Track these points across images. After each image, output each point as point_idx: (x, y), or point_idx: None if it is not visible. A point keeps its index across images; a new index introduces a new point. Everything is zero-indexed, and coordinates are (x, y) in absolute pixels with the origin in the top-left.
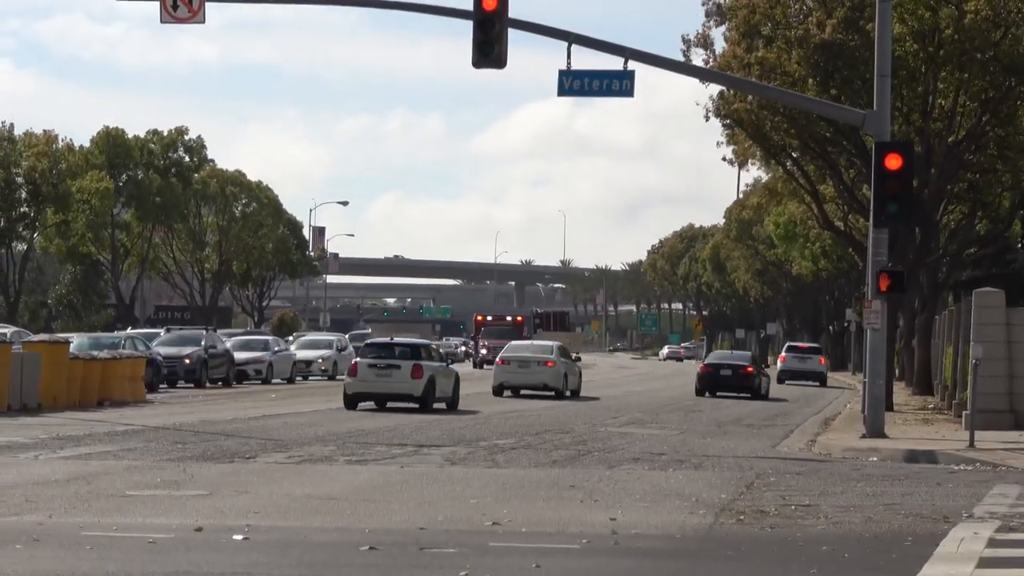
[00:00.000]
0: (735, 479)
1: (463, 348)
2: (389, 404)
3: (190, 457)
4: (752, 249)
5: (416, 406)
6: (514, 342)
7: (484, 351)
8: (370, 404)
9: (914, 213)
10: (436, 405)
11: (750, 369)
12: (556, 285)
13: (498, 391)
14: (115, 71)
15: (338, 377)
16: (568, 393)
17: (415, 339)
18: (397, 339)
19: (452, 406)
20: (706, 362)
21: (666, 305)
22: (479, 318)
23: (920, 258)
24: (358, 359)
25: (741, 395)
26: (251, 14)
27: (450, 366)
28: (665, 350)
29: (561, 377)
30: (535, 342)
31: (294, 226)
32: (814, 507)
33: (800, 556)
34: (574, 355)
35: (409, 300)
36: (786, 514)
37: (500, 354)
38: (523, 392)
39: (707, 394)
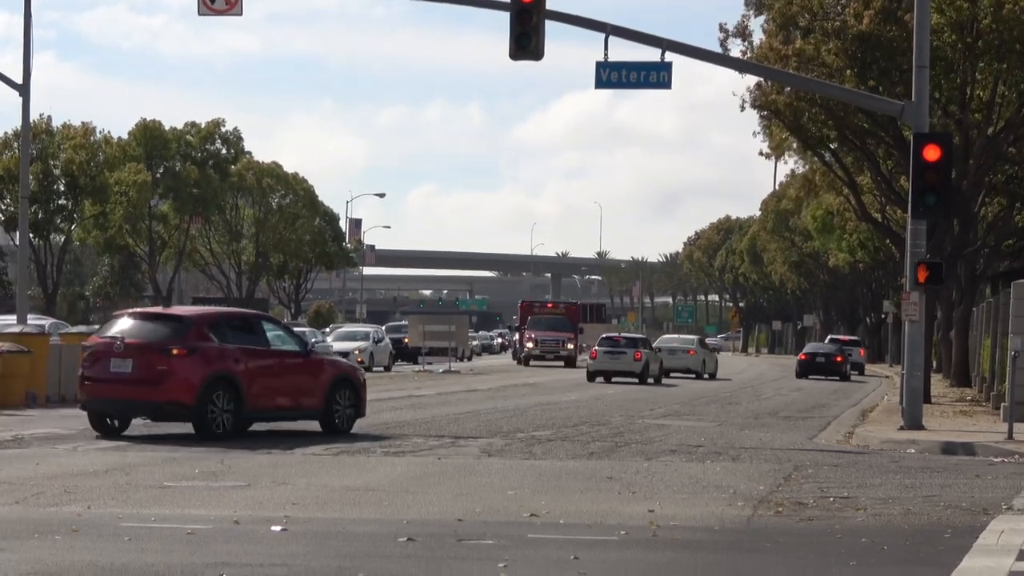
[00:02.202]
0: (773, 471)
1: (499, 340)
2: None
3: (228, 447)
4: (789, 241)
5: (637, 380)
6: (666, 336)
7: (530, 344)
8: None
9: (952, 204)
10: (648, 380)
11: (839, 358)
12: (592, 277)
13: (649, 376)
14: (156, 63)
15: (375, 369)
16: (706, 376)
17: (635, 334)
18: (624, 334)
19: (657, 381)
20: (805, 351)
21: (702, 297)
22: (526, 304)
23: (958, 250)
24: (597, 347)
25: (831, 377)
26: (293, 6)
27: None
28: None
29: (700, 362)
30: (682, 335)
31: (331, 218)
32: (852, 499)
33: (839, 548)
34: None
35: (445, 292)
36: (824, 506)
37: (656, 343)
38: (673, 375)
39: (807, 377)
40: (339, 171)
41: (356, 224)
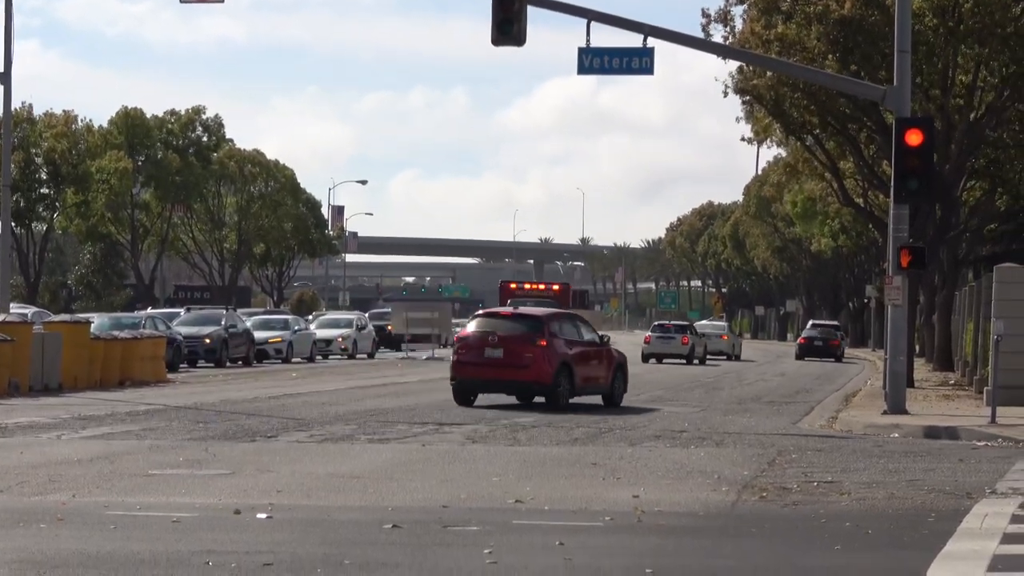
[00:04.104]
0: (757, 456)
1: None
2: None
3: (212, 436)
4: (771, 226)
5: (684, 361)
6: (700, 322)
7: None
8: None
9: (935, 189)
10: (694, 361)
11: (836, 342)
12: (575, 263)
13: (695, 357)
14: (140, 51)
15: (358, 356)
16: (735, 357)
17: (682, 321)
18: (672, 321)
19: (701, 362)
20: (804, 335)
21: (685, 283)
22: (511, 286)
23: (941, 234)
24: (650, 333)
25: (827, 359)
26: None
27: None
28: None
29: (731, 345)
30: (714, 322)
31: (313, 205)
32: (836, 484)
33: (823, 533)
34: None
35: (428, 279)
36: (808, 491)
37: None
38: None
39: (804, 358)
40: (321, 158)
41: (339, 211)
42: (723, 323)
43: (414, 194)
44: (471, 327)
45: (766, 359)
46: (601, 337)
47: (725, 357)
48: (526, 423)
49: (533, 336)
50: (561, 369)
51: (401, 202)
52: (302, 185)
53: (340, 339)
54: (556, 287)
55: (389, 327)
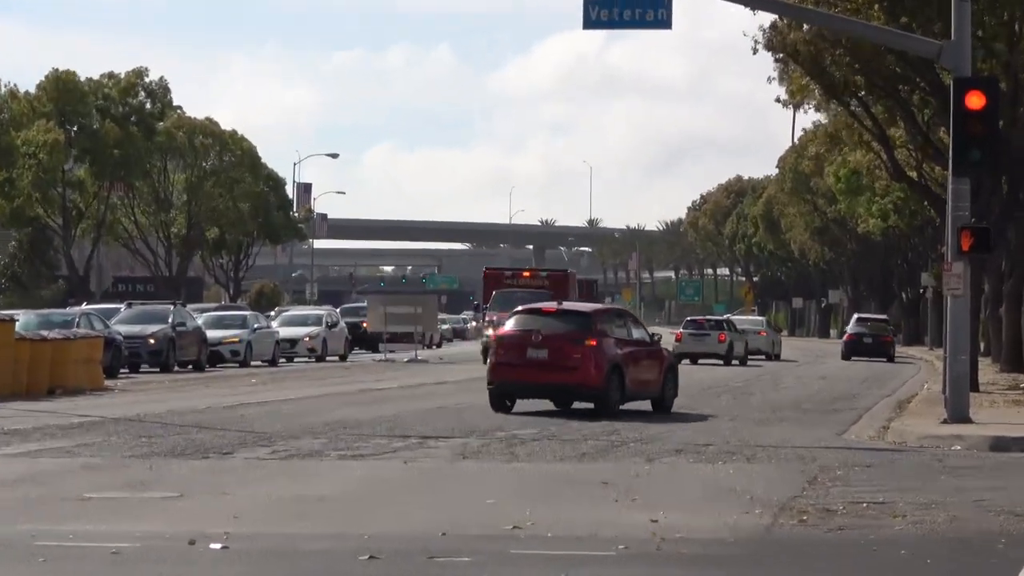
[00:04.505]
0: (795, 473)
1: (473, 323)
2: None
3: (157, 453)
4: (810, 204)
5: (722, 362)
6: (733, 316)
7: (492, 331)
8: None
9: (1000, 160)
10: (733, 361)
11: (888, 338)
12: (581, 249)
13: (734, 357)
14: (74, 4)
15: (328, 358)
16: (774, 356)
17: (719, 316)
18: (708, 316)
19: (742, 362)
20: (851, 331)
21: (710, 271)
22: (492, 273)
23: (1008, 212)
24: (682, 330)
25: (878, 359)
26: None
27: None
28: None
29: (770, 343)
30: (751, 316)
31: (275, 183)
32: (889, 505)
33: (874, 562)
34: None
35: (410, 268)
36: (856, 513)
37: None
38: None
39: (852, 358)
40: (285, 128)
41: (305, 189)
42: (760, 318)
43: (393, 169)
44: (510, 325)
45: (806, 359)
46: (652, 336)
47: (763, 356)
48: (526, 436)
49: (581, 334)
50: (612, 371)
51: (378, 179)
52: (263, 159)
53: (307, 339)
54: (553, 275)
55: (364, 324)
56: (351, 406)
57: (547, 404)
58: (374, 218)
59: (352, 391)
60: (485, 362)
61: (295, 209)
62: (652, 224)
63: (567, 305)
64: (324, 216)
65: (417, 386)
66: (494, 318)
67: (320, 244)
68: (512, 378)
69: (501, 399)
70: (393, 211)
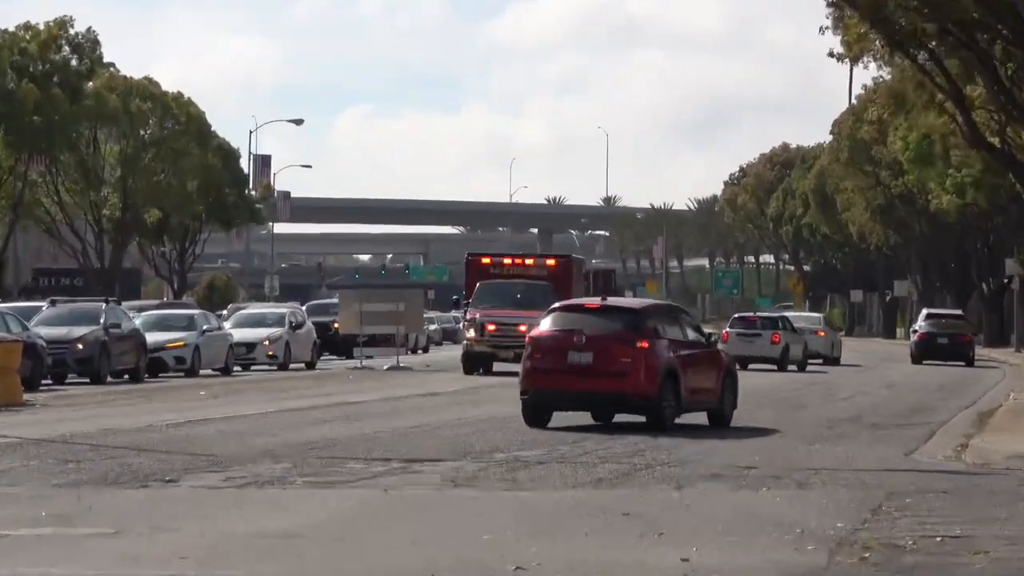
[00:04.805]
0: (856, 501)
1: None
2: None
3: (87, 481)
4: (872, 177)
5: (775, 367)
6: (790, 313)
7: (474, 332)
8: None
9: None
10: (789, 367)
11: (967, 338)
12: (596, 232)
13: (791, 362)
14: None
15: (292, 366)
16: (832, 360)
17: (772, 313)
18: (760, 313)
19: (801, 368)
20: (921, 329)
21: (751, 258)
22: (483, 261)
23: None
24: (729, 329)
25: (955, 363)
26: None
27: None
28: None
29: (829, 345)
30: (807, 313)
31: (228, 155)
32: (968, 539)
33: None
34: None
35: (390, 256)
36: (929, 549)
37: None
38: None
39: (924, 361)
40: (239, 89)
41: (264, 163)
42: (816, 315)
43: (370, 138)
44: (547, 324)
45: (868, 363)
46: (708, 336)
47: (820, 360)
48: (531, 458)
49: (630, 335)
50: (666, 378)
51: (351, 150)
52: (212, 127)
53: (267, 342)
54: (554, 262)
55: (335, 325)
56: (321, 423)
57: (582, 418)
58: (347, 196)
59: (322, 405)
60: (467, 371)
61: (251, 186)
62: (681, 203)
63: (613, 301)
64: (287, 194)
65: (400, 399)
66: (477, 316)
67: (282, 228)
68: (550, 386)
69: (537, 411)
70: (370, 188)
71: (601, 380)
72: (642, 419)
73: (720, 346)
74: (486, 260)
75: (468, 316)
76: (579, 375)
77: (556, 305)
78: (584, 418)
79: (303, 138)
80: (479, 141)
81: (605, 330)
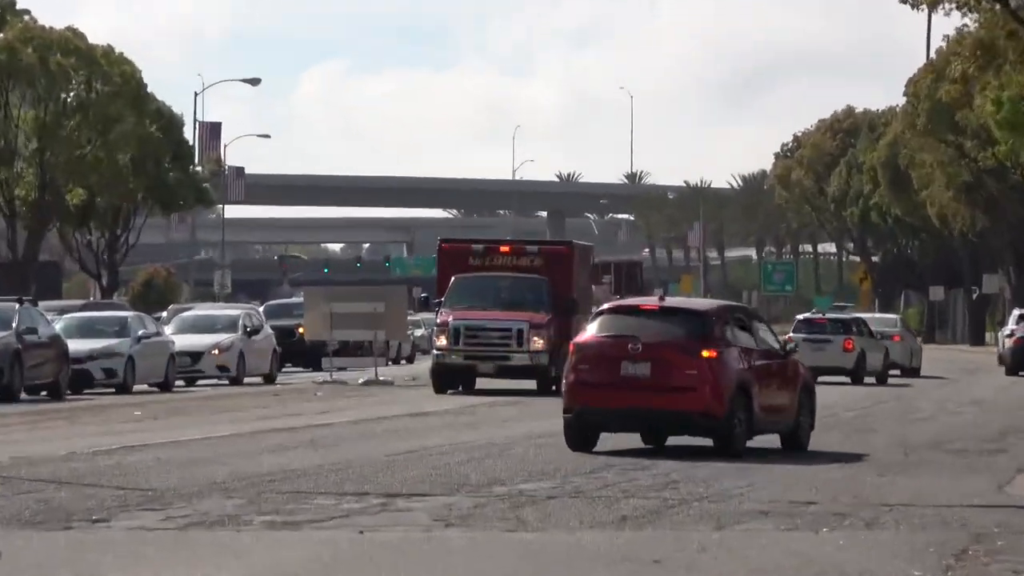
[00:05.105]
0: (936, 544)
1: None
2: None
3: (12, 526)
4: (955, 148)
5: (849, 379)
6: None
7: (445, 339)
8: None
9: None
10: (866, 379)
11: None
12: (619, 216)
13: (869, 372)
14: None
15: (247, 380)
16: (911, 371)
17: (844, 314)
18: (829, 315)
19: (881, 380)
20: (1018, 334)
21: (807, 247)
22: (448, 248)
23: None
24: (793, 333)
25: None
26: None
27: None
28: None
29: (907, 353)
30: (883, 314)
31: (169, 123)
32: None
33: None
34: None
35: (367, 246)
36: None
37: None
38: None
39: (1019, 373)
40: (183, 42)
41: (213, 132)
42: (892, 316)
43: (342, 102)
44: (595, 329)
45: (952, 374)
46: (784, 344)
47: (898, 371)
48: (539, 492)
49: (696, 342)
50: (737, 394)
51: (320, 116)
52: (150, 89)
53: (216, 351)
54: (551, 250)
55: (300, 330)
56: (282, 450)
57: (631, 440)
58: (315, 173)
59: (284, 428)
60: (438, 389)
61: (198, 161)
62: (722, 179)
63: (674, 302)
64: (240, 170)
65: (379, 420)
66: (450, 319)
67: (235, 212)
68: (600, 403)
69: (583, 433)
70: (343, 163)
71: (660, 396)
72: (690, 441)
73: None
74: (464, 247)
75: (439, 319)
76: (634, 390)
77: (606, 306)
78: (625, 441)
79: (260, 102)
80: (476, 105)
81: (665, 336)
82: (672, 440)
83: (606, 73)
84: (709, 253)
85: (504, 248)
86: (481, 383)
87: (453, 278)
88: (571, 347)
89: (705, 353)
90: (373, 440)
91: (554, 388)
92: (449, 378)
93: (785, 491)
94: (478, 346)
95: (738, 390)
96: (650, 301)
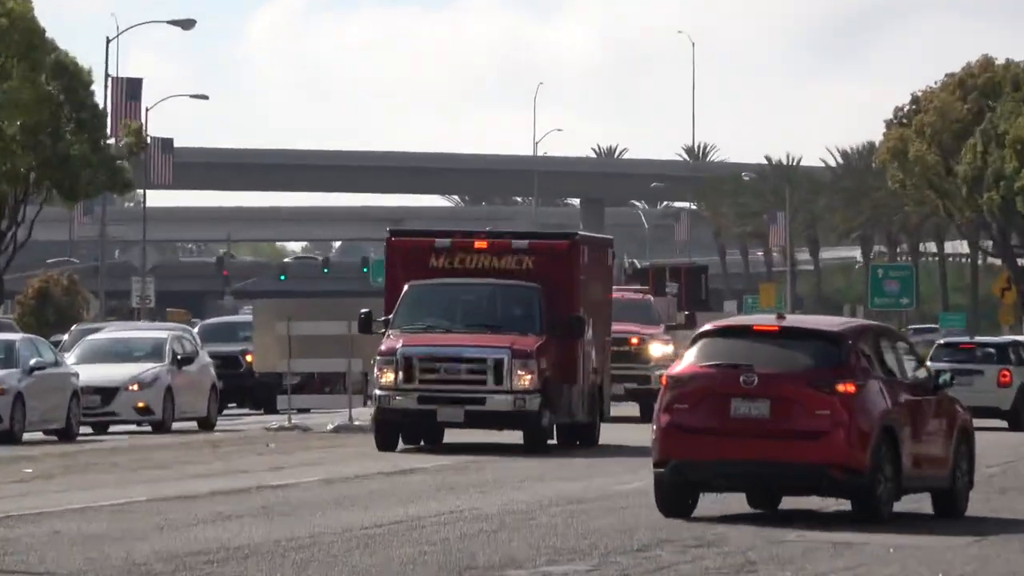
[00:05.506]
0: None
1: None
2: None
3: None
4: None
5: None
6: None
7: (389, 374)
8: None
9: None
10: None
11: None
12: (676, 204)
13: None
14: None
15: (177, 424)
16: None
17: (998, 337)
18: (978, 338)
19: None
20: None
21: (930, 245)
22: (398, 244)
23: None
24: (931, 362)
25: None
26: None
27: None
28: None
29: None
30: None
31: (73, 79)
32: None
33: None
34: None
35: (338, 245)
36: None
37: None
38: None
39: None
40: None
41: (131, 91)
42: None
43: (304, 51)
44: (694, 357)
45: None
46: (936, 376)
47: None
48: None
49: (828, 374)
50: (881, 441)
51: (273, 70)
52: (48, 34)
53: (134, 387)
54: (545, 246)
55: (248, 358)
56: (224, 520)
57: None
58: (267, 147)
59: (226, 490)
60: (381, 445)
61: (111, 131)
62: (815, 156)
63: (798, 321)
64: (168, 144)
65: (354, 480)
66: (398, 346)
67: (161, 199)
68: (704, 453)
69: (680, 492)
70: (304, 134)
71: (781, 444)
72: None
73: None
74: (423, 242)
75: (384, 345)
76: (747, 436)
77: (707, 328)
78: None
79: (195, 50)
80: (482, 56)
81: (787, 366)
82: (788, 502)
83: (658, 11)
84: (798, 254)
85: (480, 243)
86: (452, 435)
87: (406, 286)
88: (663, 380)
89: (841, 388)
90: (346, 506)
91: (550, 442)
92: (399, 429)
93: (901, 571)
94: (439, 384)
95: (883, 436)
96: (766, 320)
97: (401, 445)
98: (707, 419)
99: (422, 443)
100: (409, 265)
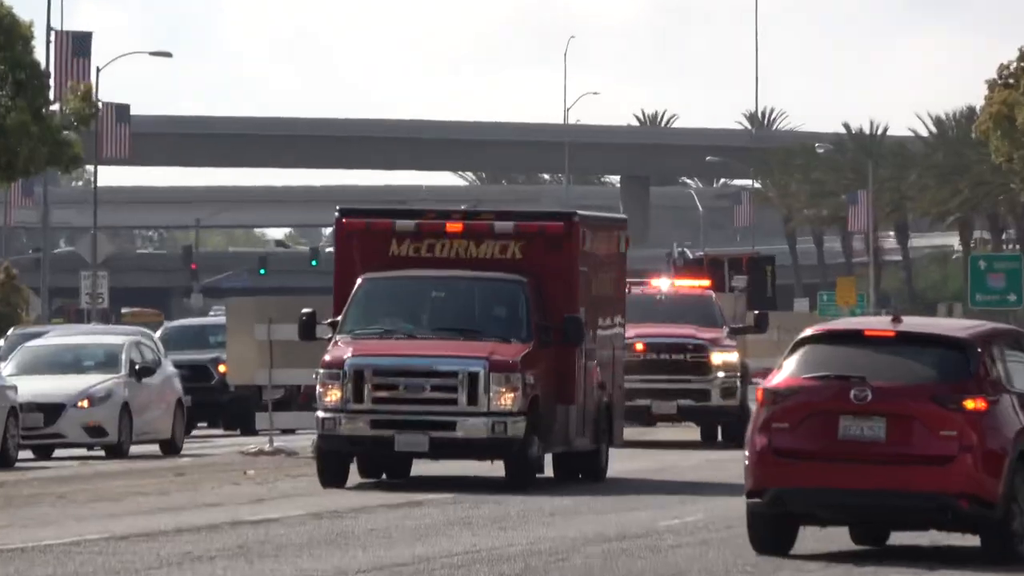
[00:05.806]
0: None
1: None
2: None
3: None
4: None
5: None
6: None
7: (335, 394)
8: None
9: None
10: None
11: None
12: (736, 182)
13: None
14: None
15: (135, 448)
16: None
17: None
18: None
19: None
20: None
21: None
22: (350, 226)
23: None
24: None
25: None
26: None
27: None
28: None
29: None
30: None
31: (10, 33)
32: None
33: None
34: None
35: (328, 231)
36: None
37: None
38: None
39: None
40: None
41: (79, 47)
42: None
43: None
44: (794, 367)
45: None
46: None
47: None
48: None
49: (954, 388)
50: (1016, 468)
51: (247, 22)
52: None
53: (85, 403)
54: (534, 228)
55: (221, 368)
56: (193, 563)
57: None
58: (243, 115)
59: (194, 527)
60: (325, 480)
61: (55, 95)
62: (903, 124)
63: (916, 325)
64: (124, 110)
65: (347, 515)
66: (347, 356)
67: (115, 178)
68: (807, 481)
69: (778, 527)
70: (286, 99)
71: (899, 471)
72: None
73: None
74: (381, 224)
75: (328, 355)
76: (858, 461)
77: (808, 333)
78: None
79: (156, 5)
80: (504, 4)
81: (905, 378)
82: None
83: None
84: (883, 242)
85: (453, 225)
86: (423, 467)
87: (360, 279)
88: (759, 394)
89: (970, 404)
90: (340, 545)
91: (538, 475)
92: (347, 460)
93: None
94: (397, 404)
95: (1019, 461)
96: (880, 323)
97: (358, 479)
98: (811, 441)
99: (383, 476)
100: (364, 253)
